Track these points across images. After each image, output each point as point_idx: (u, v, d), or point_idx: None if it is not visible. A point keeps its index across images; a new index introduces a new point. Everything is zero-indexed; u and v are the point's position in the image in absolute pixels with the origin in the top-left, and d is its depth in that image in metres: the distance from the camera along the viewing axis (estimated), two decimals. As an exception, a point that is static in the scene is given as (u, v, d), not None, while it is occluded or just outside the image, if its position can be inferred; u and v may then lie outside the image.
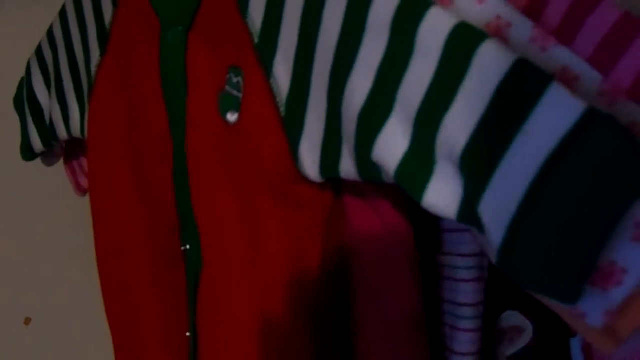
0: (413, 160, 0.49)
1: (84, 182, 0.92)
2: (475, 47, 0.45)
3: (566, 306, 0.46)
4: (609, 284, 0.44)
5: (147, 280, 0.71)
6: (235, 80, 0.59)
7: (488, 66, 0.44)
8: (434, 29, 0.47)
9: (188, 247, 0.66)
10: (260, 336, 0.62)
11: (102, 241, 0.75)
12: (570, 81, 0.46)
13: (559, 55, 0.46)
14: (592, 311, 0.45)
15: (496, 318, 0.66)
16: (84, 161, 0.91)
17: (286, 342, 0.62)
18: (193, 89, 0.63)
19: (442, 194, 0.48)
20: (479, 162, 0.45)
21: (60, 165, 0.92)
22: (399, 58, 0.48)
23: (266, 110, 0.57)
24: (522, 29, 0.47)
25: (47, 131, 0.83)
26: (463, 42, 0.45)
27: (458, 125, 0.46)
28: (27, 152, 0.88)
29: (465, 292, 0.62)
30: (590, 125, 0.41)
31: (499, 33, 0.48)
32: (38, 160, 0.90)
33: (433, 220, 0.62)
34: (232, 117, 0.60)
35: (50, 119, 0.81)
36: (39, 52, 0.83)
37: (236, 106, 0.59)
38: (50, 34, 0.80)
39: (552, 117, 0.42)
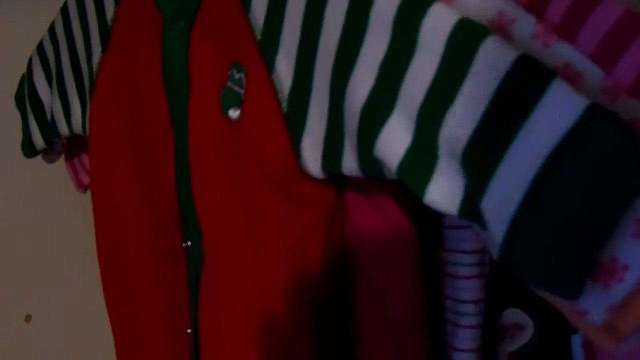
0: (415, 156, 0.49)
1: (85, 179, 0.92)
2: (478, 43, 0.45)
3: (568, 303, 0.46)
4: (611, 281, 0.44)
5: (148, 277, 0.71)
6: (237, 76, 0.59)
7: (491, 62, 0.44)
8: (437, 25, 0.47)
9: (190, 243, 0.67)
10: (261, 333, 0.62)
11: (103, 238, 0.75)
12: (572, 78, 0.46)
13: (562, 52, 0.46)
14: (593, 308, 0.45)
15: (498, 315, 0.66)
16: (85, 158, 0.91)
17: (287, 339, 0.62)
18: (195, 86, 0.63)
19: (445, 191, 0.48)
20: (482, 158, 0.45)
21: (61, 162, 0.92)
22: (402, 54, 0.49)
23: (268, 106, 0.57)
24: (525, 25, 0.47)
25: (48, 128, 0.83)
26: (466, 38, 0.45)
27: (461, 122, 0.46)
28: (29, 149, 0.88)
29: (466, 289, 0.62)
30: (593, 122, 0.41)
31: (502, 29, 0.48)
32: (39, 157, 0.90)
33: (435, 217, 0.62)
34: (234, 113, 0.60)
35: (52, 116, 0.81)
36: (40, 48, 0.83)
37: (238, 103, 0.59)
38: (52, 30, 0.80)
39: (555, 114, 0.42)
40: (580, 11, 0.46)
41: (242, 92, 0.59)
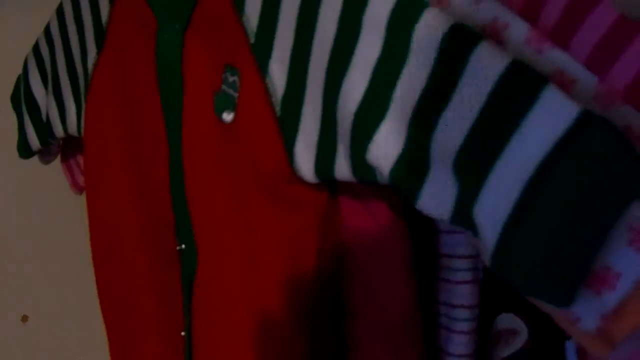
0: (407, 161, 0.49)
1: (81, 180, 0.91)
2: (470, 48, 0.44)
3: (560, 310, 0.46)
4: (603, 288, 0.44)
5: (142, 279, 0.71)
6: (231, 79, 0.59)
7: (483, 68, 0.44)
8: (430, 30, 0.46)
9: (183, 246, 0.66)
10: (255, 336, 0.62)
11: (97, 239, 0.75)
12: (565, 84, 0.45)
13: (555, 58, 0.46)
14: (586, 315, 0.45)
15: (491, 320, 0.66)
16: (81, 159, 0.91)
17: (281, 341, 0.62)
18: (189, 88, 0.63)
19: (437, 196, 0.48)
20: (474, 164, 0.44)
21: (57, 162, 0.92)
22: (395, 58, 0.48)
23: (262, 109, 0.57)
24: (518, 30, 0.47)
25: (44, 129, 0.83)
26: (458, 43, 0.45)
27: (453, 127, 0.45)
28: (24, 150, 0.88)
29: (460, 294, 0.62)
30: (585, 129, 0.41)
31: (496, 34, 0.48)
32: (35, 158, 0.90)
33: (428, 222, 0.62)
34: (227, 116, 0.59)
35: (47, 117, 0.81)
36: (36, 49, 0.83)
37: (232, 105, 0.59)
38: (47, 31, 0.80)
39: (547, 120, 0.41)
40: (574, 17, 0.46)
41: (236, 95, 0.58)
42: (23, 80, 0.85)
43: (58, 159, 0.92)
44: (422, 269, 0.63)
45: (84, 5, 0.73)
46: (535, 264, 0.43)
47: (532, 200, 0.42)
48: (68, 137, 0.82)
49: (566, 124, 0.41)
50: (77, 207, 0.89)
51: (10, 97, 0.89)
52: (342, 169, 0.54)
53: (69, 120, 0.78)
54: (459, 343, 0.62)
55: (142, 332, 0.72)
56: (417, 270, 0.61)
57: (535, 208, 0.42)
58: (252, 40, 0.57)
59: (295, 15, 0.54)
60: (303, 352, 0.61)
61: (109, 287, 0.75)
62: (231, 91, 0.59)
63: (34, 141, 0.85)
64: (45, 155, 0.90)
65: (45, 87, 0.82)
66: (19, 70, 0.87)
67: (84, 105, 0.74)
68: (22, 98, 0.86)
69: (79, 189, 0.92)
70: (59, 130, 0.80)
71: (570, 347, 0.60)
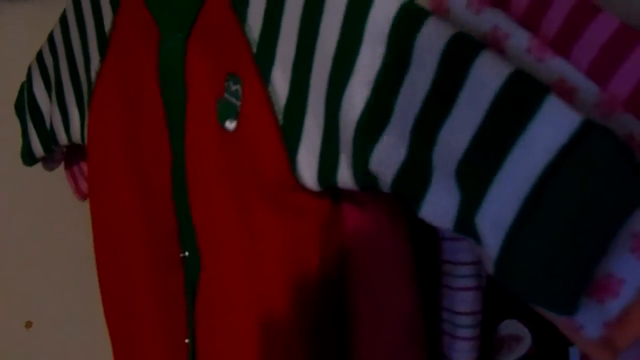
0: (410, 170, 0.49)
1: (85, 187, 0.92)
2: (472, 58, 0.45)
3: (563, 317, 0.46)
4: (606, 296, 0.44)
5: (145, 287, 0.71)
6: (233, 88, 0.59)
7: (485, 77, 0.44)
8: (431, 39, 0.47)
9: (187, 253, 0.67)
10: (258, 343, 0.62)
11: (101, 246, 0.76)
12: (566, 93, 0.45)
13: (556, 66, 0.46)
14: (589, 323, 0.45)
15: (495, 326, 0.66)
16: (85, 166, 0.91)
17: (284, 348, 0.62)
18: (192, 96, 0.63)
19: (439, 205, 0.48)
20: (476, 173, 0.45)
21: (61, 169, 0.93)
22: (397, 68, 0.48)
23: (264, 118, 0.57)
24: (519, 39, 0.47)
25: (47, 136, 0.83)
26: (460, 52, 0.45)
27: (455, 136, 0.45)
28: (28, 157, 0.88)
29: (463, 300, 0.62)
30: (587, 138, 0.41)
31: (497, 43, 0.48)
32: (39, 165, 0.90)
33: (431, 229, 0.62)
34: (230, 124, 0.60)
35: (51, 125, 0.81)
36: (39, 57, 0.83)
37: (234, 114, 0.59)
38: (50, 39, 0.80)
39: (549, 130, 0.42)
40: (575, 26, 0.46)
41: (239, 103, 0.59)
42: (27, 88, 0.86)
43: (61, 166, 0.92)
44: (425, 275, 0.63)
45: (87, 14, 0.73)
46: (537, 272, 0.43)
47: (534, 208, 0.42)
48: (71, 145, 0.82)
49: (568, 133, 0.41)
50: (80, 214, 0.90)
51: (14, 105, 0.89)
52: (345, 177, 0.54)
53: (72, 127, 0.78)
54: (462, 349, 0.62)
55: (146, 339, 0.72)
56: (420, 276, 0.61)
57: (538, 216, 0.42)
58: (255, 49, 0.57)
59: (297, 24, 0.54)
60: (306, 358, 0.61)
61: (113, 293, 0.75)
62: (234, 99, 0.59)
63: (38, 148, 0.86)
64: (49, 162, 0.90)
65: (49, 94, 0.83)
66: (23, 78, 0.87)
67: (87, 113, 0.74)
68: (25, 106, 0.86)
69: (82, 196, 0.93)
70: (62, 138, 0.80)
71: (573, 354, 0.60)
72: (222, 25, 0.59)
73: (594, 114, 0.45)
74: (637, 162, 0.41)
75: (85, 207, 0.79)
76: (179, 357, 0.70)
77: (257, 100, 0.57)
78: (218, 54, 0.60)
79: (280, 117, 0.56)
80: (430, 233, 0.63)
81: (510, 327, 0.65)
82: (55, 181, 0.96)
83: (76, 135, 0.78)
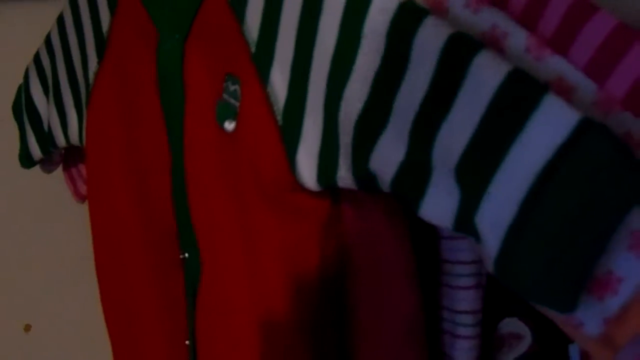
0: (409, 170, 0.49)
1: (83, 189, 0.92)
2: (470, 57, 0.45)
3: (563, 315, 0.46)
4: (606, 293, 0.44)
5: (146, 288, 0.71)
6: (232, 88, 0.59)
7: (483, 76, 0.44)
8: (430, 39, 0.47)
9: (187, 255, 0.67)
10: (258, 345, 0.62)
11: (100, 248, 0.76)
12: (565, 91, 0.46)
13: (555, 65, 0.46)
14: (589, 320, 0.45)
15: (495, 325, 0.66)
16: (83, 168, 0.91)
17: (285, 349, 0.62)
18: (190, 97, 0.63)
19: (439, 204, 0.48)
20: (475, 172, 0.45)
21: (59, 172, 0.93)
22: (395, 68, 0.49)
23: (263, 118, 0.57)
24: (518, 38, 0.47)
25: (45, 139, 0.83)
26: (458, 52, 0.46)
27: (454, 136, 0.46)
28: (26, 160, 0.88)
29: (464, 299, 0.62)
30: (585, 136, 0.41)
31: (495, 43, 0.48)
32: (37, 167, 0.90)
33: (431, 228, 0.62)
34: (229, 125, 0.60)
35: (49, 127, 0.81)
36: (37, 59, 0.83)
37: (233, 115, 0.59)
38: (48, 41, 0.80)
39: (547, 128, 0.42)
40: (572, 24, 0.46)
41: (237, 104, 0.59)
42: (24, 90, 0.86)
43: (60, 168, 0.92)
44: (425, 274, 0.63)
45: (84, 15, 0.73)
46: (537, 270, 0.43)
47: (533, 206, 0.42)
48: (70, 147, 0.82)
49: (566, 131, 0.41)
50: (79, 216, 0.89)
51: (11, 107, 0.89)
52: (344, 177, 0.54)
53: (70, 129, 0.78)
54: (462, 348, 0.62)
55: (146, 341, 0.72)
56: (420, 276, 0.61)
57: (537, 214, 0.42)
58: (253, 50, 0.57)
59: (296, 24, 0.54)
60: (306, 358, 0.61)
61: (112, 296, 0.75)
62: (232, 100, 0.59)
63: (36, 151, 0.86)
64: (47, 164, 0.90)
65: (47, 96, 0.83)
66: (20, 79, 0.87)
67: (85, 115, 0.74)
68: (23, 108, 0.86)
69: (81, 198, 0.92)
70: (60, 140, 0.80)
71: (573, 351, 0.60)
72: (220, 26, 0.59)
73: (593, 113, 0.45)
74: (635, 159, 0.41)
75: (84, 210, 0.79)
76: (180, 359, 0.70)
77: (256, 101, 0.57)
78: (216, 54, 0.60)
79: (279, 117, 0.56)
80: (429, 232, 0.63)
81: (511, 325, 0.65)
82: (54, 183, 0.95)
83: (74, 137, 0.78)
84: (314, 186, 0.57)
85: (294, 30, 0.54)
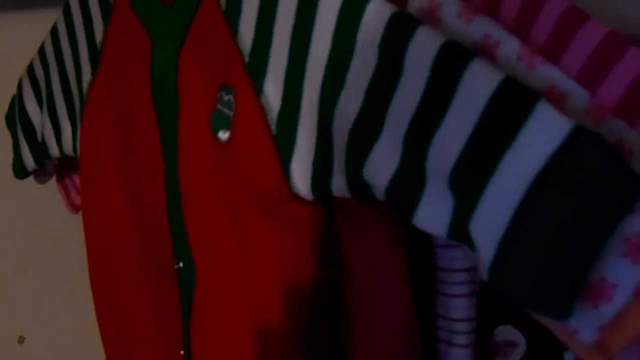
0: (403, 179, 0.49)
1: (77, 200, 0.91)
2: (463, 65, 0.45)
3: (558, 322, 0.46)
4: (600, 300, 0.44)
5: (140, 298, 0.71)
6: (226, 98, 0.59)
7: (476, 85, 0.44)
8: (423, 48, 0.47)
9: (181, 265, 0.66)
10: (253, 353, 0.62)
11: (94, 259, 0.75)
12: (557, 99, 0.46)
13: (547, 73, 0.46)
14: (583, 327, 0.45)
15: (490, 332, 0.66)
16: (77, 178, 0.91)
17: (279, 357, 0.62)
18: (184, 107, 0.63)
19: (433, 212, 0.48)
20: (469, 180, 0.45)
21: (52, 182, 0.92)
22: (388, 77, 0.49)
23: (257, 128, 0.57)
24: (510, 47, 0.47)
25: (39, 149, 0.83)
26: (451, 60, 0.46)
27: (447, 145, 0.46)
28: (20, 170, 0.87)
29: (458, 307, 0.62)
30: (578, 143, 0.41)
31: (487, 52, 0.48)
32: (31, 178, 0.89)
33: (425, 236, 0.62)
34: (223, 135, 0.60)
35: (42, 137, 0.81)
36: (30, 70, 0.83)
37: (227, 124, 0.59)
38: (41, 51, 0.80)
39: (540, 136, 0.42)
40: (564, 33, 0.46)
41: (231, 113, 0.59)
42: (17, 100, 0.86)
43: (53, 179, 0.92)
44: (420, 283, 0.63)
45: (78, 26, 0.73)
46: (532, 277, 0.44)
47: (527, 214, 0.43)
48: (64, 157, 0.82)
49: (559, 139, 0.41)
50: (73, 227, 0.89)
51: (5, 117, 0.89)
52: (339, 185, 0.54)
53: (64, 140, 0.78)
54: (457, 356, 0.63)
55: (141, 351, 0.72)
56: (415, 284, 0.61)
57: (531, 222, 0.43)
58: (247, 59, 0.57)
59: (289, 34, 0.54)
60: (302, 369, 0.61)
61: (107, 306, 0.75)
62: (226, 110, 0.59)
63: (29, 161, 0.85)
64: (41, 175, 0.90)
65: (40, 107, 0.82)
66: (13, 90, 0.87)
67: (79, 125, 0.74)
68: (16, 118, 0.86)
69: (75, 209, 0.92)
70: (54, 150, 0.80)
71: (568, 358, 0.60)
72: (214, 36, 0.59)
73: (585, 120, 0.45)
74: (628, 166, 0.41)
75: (78, 220, 0.79)
76: (175, 369, 0.69)
77: (250, 111, 0.57)
78: (210, 64, 0.61)
79: (273, 126, 0.56)
80: (424, 241, 0.63)
81: (505, 333, 0.65)
82: (48, 194, 0.95)
83: (68, 148, 0.78)
84: (308, 195, 0.57)
85: (288, 40, 0.55)
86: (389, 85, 0.48)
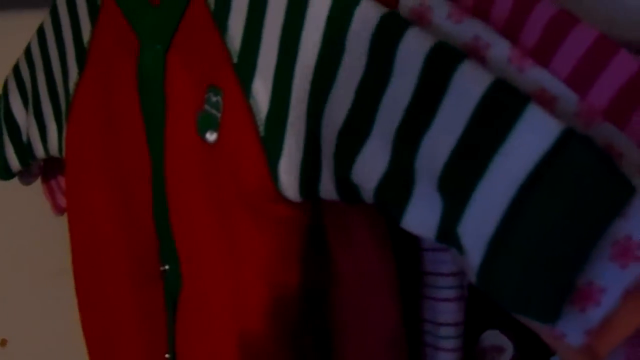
0: (392, 181, 0.49)
1: (62, 202, 0.91)
2: (453, 67, 0.45)
3: (545, 326, 0.46)
4: (588, 304, 0.44)
5: (125, 301, 0.70)
6: (214, 99, 0.59)
7: (466, 86, 0.44)
8: (413, 49, 0.47)
9: (167, 267, 0.66)
10: (239, 356, 0.62)
11: (80, 261, 0.75)
12: (547, 102, 0.46)
13: (536, 76, 0.46)
14: (571, 331, 0.45)
15: (477, 337, 0.66)
16: (62, 180, 0.90)
17: (266, 362, 0.61)
18: (171, 108, 0.63)
19: (421, 215, 0.48)
20: (458, 183, 0.45)
21: (38, 184, 0.91)
22: (378, 78, 0.49)
23: (245, 129, 0.57)
24: (500, 49, 0.47)
25: (24, 150, 0.82)
26: (441, 62, 0.46)
27: (436, 146, 0.46)
28: (4, 171, 0.86)
29: (445, 311, 0.62)
30: (567, 146, 0.41)
31: (477, 53, 0.48)
32: (15, 180, 0.89)
33: (413, 240, 0.62)
34: (211, 136, 0.59)
35: (28, 138, 0.81)
36: (16, 70, 0.82)
37: (215, 125, 0.59)
38: (27, 51, 0.79)
39: (530, 138, 0.42)
40: (554, 35, 0.46)
41: (219, 115, 0.58)
42: (3, 100, 0.85)
43: (39, 181, 0.91)
44: (407, 287, 0.63)
45: (65, 25, 0.73)
46: (520, 280, 0.43)
47: (516, 216, 0.42)
48: (49, 158, 0.81)
49: (549, 142, 0.41)
50: (58, 229, 0.88)
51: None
52: (327, 187, 0.54)
53: (49, 140, 0.77)
54: (444, 361, 0.62)
55: (126, 354, 0.71)
56: (402, 288, 0.61)
57: (520, 225, 0.42)
58: (235, 60, 0.57)
59: (279, 35, 0.54)
60: (288, 373, 0.61)
61: (91, 308, 0.74)
62: (214, 111, 0.59)
63: (14, 162, 0.84)
64: (26, 176, 0.89)
65: (26, 107, 0.82)
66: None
67: (65, 126, 0.73)
68: (1, 119, 0.85)
69: (60, 211, 0.91)
70: (39, 151, 0.79)
71: (555, 364, 0.60)
72: (202, 36, 0.59)
73: (574, 123, 0.45)
74: (618, 169, 0.41)
75: (62, 222, 0.78)
76: (159, 372, 0.69)
77: (238, 112, 0.57)
78: (198, 65, 0.60)
79: (261, 128, 0.56)
80: (412, 244, 0.63)
81: (492, 337, 0.65)
82: (32, 196, 0.94)
83: (54, 149, 0.77)
84: (296, 197, 0.56)
85: (277, 41, 0.54)
86: (378, 86, 0.48)
